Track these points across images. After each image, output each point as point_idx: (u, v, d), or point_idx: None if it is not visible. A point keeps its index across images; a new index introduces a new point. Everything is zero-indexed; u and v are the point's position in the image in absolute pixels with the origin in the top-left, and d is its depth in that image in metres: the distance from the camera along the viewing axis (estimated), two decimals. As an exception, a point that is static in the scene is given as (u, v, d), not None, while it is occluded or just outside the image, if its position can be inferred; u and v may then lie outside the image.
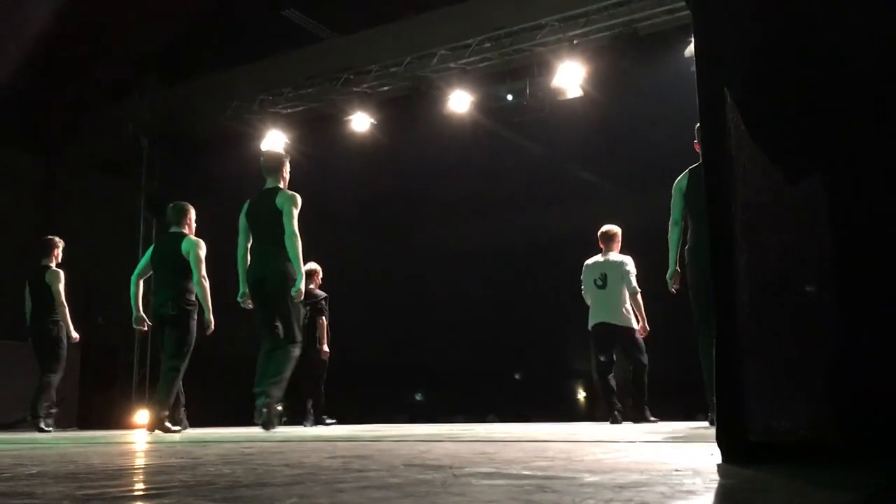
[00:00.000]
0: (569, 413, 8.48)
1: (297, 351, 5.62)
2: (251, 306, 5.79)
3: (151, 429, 6.12)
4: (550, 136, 8.98)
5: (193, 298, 6.21)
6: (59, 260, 7.53)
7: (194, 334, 6.25)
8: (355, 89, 9.41)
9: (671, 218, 5.38)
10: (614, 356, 6.87)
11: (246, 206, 5.85)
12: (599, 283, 6.91)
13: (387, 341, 9.34)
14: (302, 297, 5.62)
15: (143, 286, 6.57)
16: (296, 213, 5.62)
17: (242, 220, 5.81)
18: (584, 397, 11.05)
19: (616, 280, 6.87)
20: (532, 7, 8.33)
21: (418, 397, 8.83)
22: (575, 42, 8.24)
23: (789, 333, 1.68)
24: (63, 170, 11.72)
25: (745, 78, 1.86)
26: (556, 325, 8.59)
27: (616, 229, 7.02)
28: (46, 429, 7.07)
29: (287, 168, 5.90)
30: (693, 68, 1.96)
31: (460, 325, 9.10)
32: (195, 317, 6.24)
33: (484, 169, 9.22)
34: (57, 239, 7.59)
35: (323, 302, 7.52)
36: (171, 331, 6.20)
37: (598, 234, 7.04)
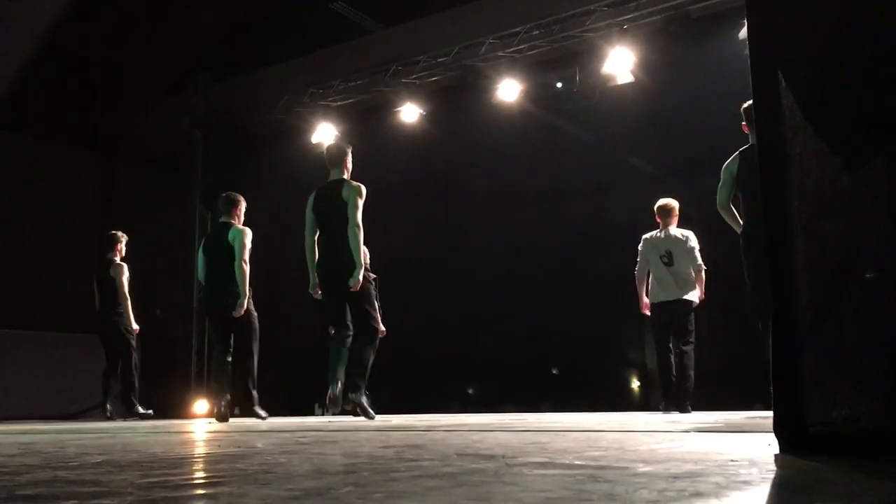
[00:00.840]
0: (622, 402, 8.41)
1: (375, 338, 5.67)
2: (320, 297, 5.87)
3: (221, 418, 6.20)
4: (601, 123, 8.88)
5: (238, 288, 6.30)
6: (123, 254, 7.76)
7: (255, 318, 6.38)
8: (404, 80, 9.43)
9: (718, 201, 5.26)
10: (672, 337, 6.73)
11: (312, 198, 5.92)
12: (666, 259, 6.74)
13: (438, 331, 9.37)
14: (358, 287, 5.66)
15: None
16: (360, 203, 5.69)
17: (309, 213, 5.89)
18: (639, 386, 10.95)
19: (683, 256, 6.72)
20: (581, -7, 8.24)
21: (470, 391, 8.84)
22: (625, 27, 8.13)
23: (849, 322, 1.64)
24: (120, 166, 12.02)
25: (800, 60, 1.82)
26: (609, 313, 8.50)
27: (674, 203, 6.84)
28: (146, 412, 7.42)
29: (350, 159, 5.97)
30: (747, 51, 1.92)
31: (512, 314, 9.08)
32: (245, 306, 6.34)
33: (533, 158, 9.17)
34: (120, 234, 7.83)
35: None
36: (235, 326, 6.33)
37: (656, 208, 6.87)
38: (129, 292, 7.54)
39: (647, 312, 6.89)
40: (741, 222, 5.13)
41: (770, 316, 4.58)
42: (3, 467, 2.04)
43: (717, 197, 5.24)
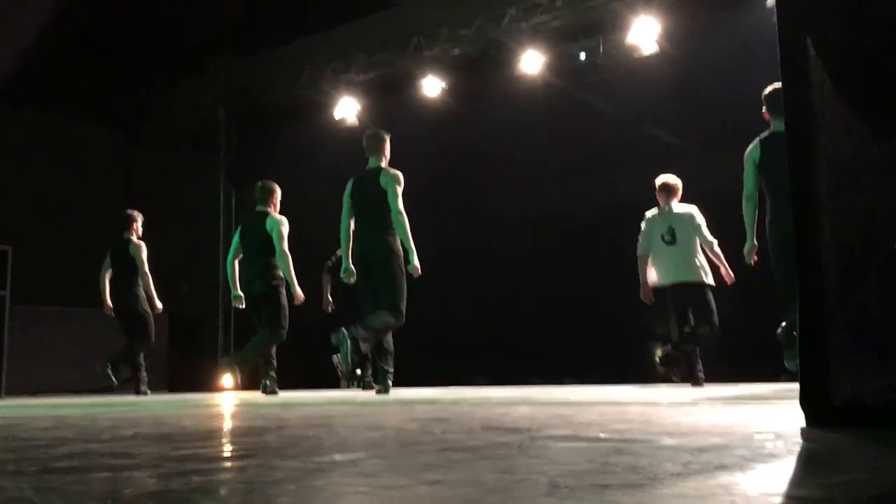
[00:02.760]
0: (648, 376, 8.41)
1: (396, 318, 5.70)
2: (353, 281, 5.92)
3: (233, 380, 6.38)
4: (625, 95, 8.78)
5: (280, 274, 6.41)
6: (140, 233, 7.73)
7: (286, 308, 6.46)
8: (426, 53, 9.38)
9: (745, 192, 5.15)
10: (691, 317, 6.38)
11: (350, 185, 5.97)
12: (668, 238, 6.36)
13: (461, 305, 9.39)
14: (419, 273, 5.74)
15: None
16: (400, 190, 5.75)
17: (346, 200, 5.95)
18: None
19: (687, 233, 6.33)
20: (605, -38, 8.11)
21: (480, 379, 8.87)
22: (650, -4, 8.01)
23: (876, 295, 1.62)
24: (143, 144, 12.11)
25: (829, 27, 1.78)
26: (634, 286, 8.47)
27: (676, 180, 6.49)
28: (144, 391, 7.41)
29: (388, 146, 6.00)
30: (775, 18, 1.88)
31: (536, 288, 9.07)
32: (283, 291, 6.43)
33: (557, 130, 9.10)
34: (136, 213, 7.80)
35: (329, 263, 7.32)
36: (265, 308, 6.43)
37: (657, 185, 6.51)
38: (151, 270, 7.54)
39: (647, 300, 6.55)
40: (753, 229, 5.15)
41: (792, 304, 4.54)
42: (37, 440, 2.09)
43: (744, 188, 5.15)
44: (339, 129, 9.92)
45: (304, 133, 10.32)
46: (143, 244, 7.60)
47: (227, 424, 2.74)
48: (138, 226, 7.76)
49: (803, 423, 1.70)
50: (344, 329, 5.42)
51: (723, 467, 1.13)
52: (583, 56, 8.76)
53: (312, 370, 7.98)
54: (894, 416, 1.57)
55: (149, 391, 7.50)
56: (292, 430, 2.18)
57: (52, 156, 10.77)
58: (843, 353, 1.65)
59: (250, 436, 2.11)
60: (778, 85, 4.75)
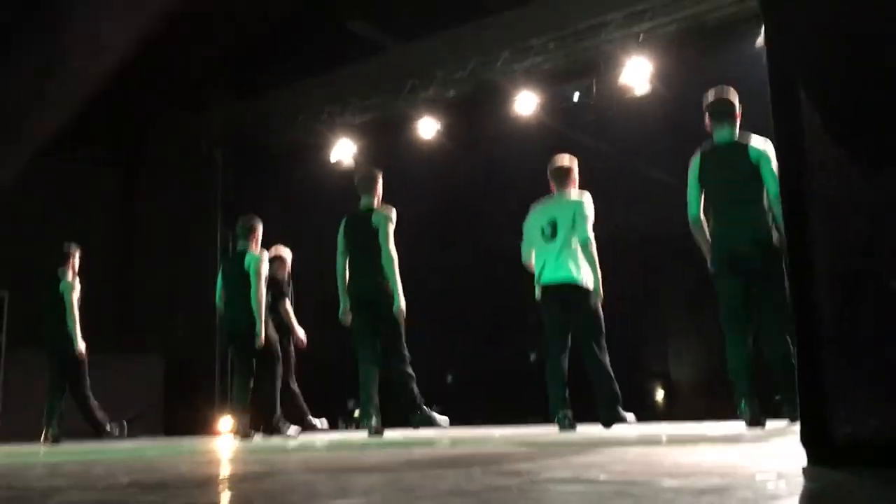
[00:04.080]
0: (646, 413, 8.36)
1: (407, 367, 5.69)
2: (349, 323, 5.91)
3: (244, 434, 6.28)
4: (619, 134, 8.87)
5: (264, 312, 6.35)
6: (76, 269, 7.41)
7: (276, 346, 6.42)
8: (421, 96, 9.47)
9: (690, 214, 4.68)
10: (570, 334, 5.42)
11: (343, 224, 5.98)
12: (547, 231, 5.42)
13: (455, 344, 9.36)
14: (404, 317, 5.72)
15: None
16: (391, 230, 5.74)
17: (341, 239, 5.95)
18: (662, 397, 10.90)
19: (568, 226, 5.40)
20: (596, 4, 8.23)
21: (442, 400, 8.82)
22: (641, 38, 8.12)
23: (874, 331, 1.63)
24: (141, 184, 12.14)
25: (819, 68, 1.81)
26: (631, 324, 8.46)
27: (571, 162, 5.68)
28: (110, 430, 7.20)
29: (380, 185, 6.01)
30: (765, 59, 1.91)
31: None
32: (271, 328, 6.39)
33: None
34: (73, 247, 7.48)
35: (284, 287, 7.01)
36: (250, 347, 6.37)
37: (549, 170, 5.70)
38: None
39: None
40: (709, 245, 4.63)
41: (738, 326, 4.42)
42: (31, 490, 2.06)
43: (688, 207, 4.70)
44: (336, 170, 9.97)
45: (300, 175, 10.38)
46: (76, 282, 7.27)
47: (224, 470, 2.71)
48: (75, 261, 7.41)
49: (804, 462, 1.69)
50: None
51: (725, 510, 1.13)
52: (576, 97, 8.86)
53: (312, 407, 7.92)
54: (896, 455, 1.57)
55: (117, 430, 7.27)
56: (290, 476, 2.16)
57: (49, 195, 10.78)
58: (843, 391, 1.65)
59: (247, 482, 2.09)
60: (721, 93, 4.76)
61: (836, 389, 1.66)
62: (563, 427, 5.21)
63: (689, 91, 8.19)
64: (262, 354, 6.38)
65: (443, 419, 5.71)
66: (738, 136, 4.65)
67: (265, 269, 6.39)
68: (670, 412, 8.83)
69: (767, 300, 4.35)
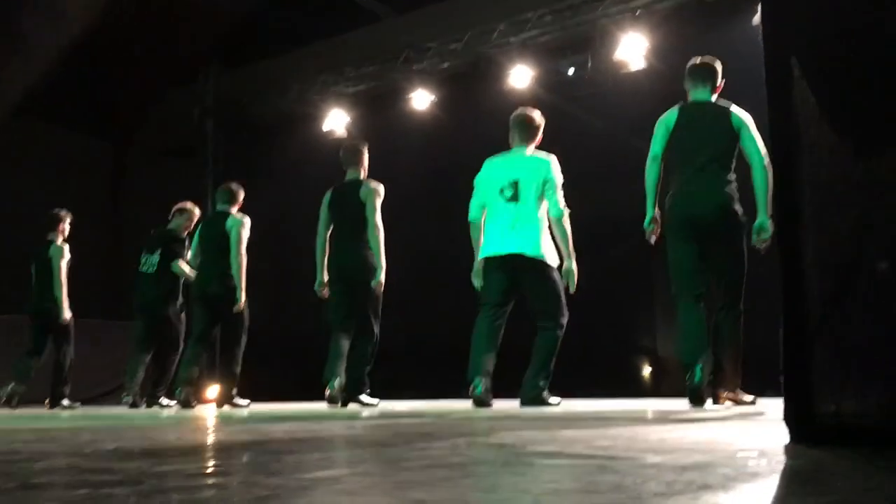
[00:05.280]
0: (634, 389, 8.42)
1: (373, 344, 5.71)
2: (327, 296, 5.89)
3: (220, 404, 6.33)
4: (613, 109, 8.84)
5: (234, 280, 6.31)
6: (66, 235, 7.35)
7: (246, 308, 6.39)
8: (415, 67, 9.41)
9: (651, 152, 4.46)
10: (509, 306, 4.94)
11: (328, 196, 5.93)
12: (509, 192, 4.86)
13: (447, 318, 9.39)
14: (382, 289, 5.71)
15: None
16: (379, 203, 5.71)
17: (324, 211, 5.91)
18: (650, 373, 10.98)
19: (533, 190, 4.84)
20: (593, -22, 8.17)
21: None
22: (638, 13, 8.07)
23: (860, 315, 1.63)
24: (132, 155, 12.07)
25: (814, 48, 1.80)
26: (621, 300, 8.50)
27: (536, 115, 5.14)
28: (71, 404, 7.14)
29: (366, 157, 5.97)
30: (760, 37, 1.90)
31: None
32: (243, 299, 6.37)
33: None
34: (63, 212, 7.42)
35: (176, 244, 6.93)
36: (224, 313, 6.34)
37: (510, 120, 5.14)
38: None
39: (477, 282, 5.03)
40: (655, 196, 4.44)
41: (690, 298, 4.30)
42: (18, 454, 2.07)
43: (650, 150, 4.49)
44: (329, 142, 9.92)
45: (293, 145, 10.32)
46: (65, 248, 7.22)
47: (210, 439, 2.72)
48: (65, 226, 7.37)
49: (787, 440, 1.71)
50: (339, 380, 5.43)
51: (706, 487, 1.13)
52: (571, 71, 8.81)
53: (300, 381, 7.94)
54: (878, 435, 1.58)
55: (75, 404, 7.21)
56: (276, 446, 2.17)
57: (40, 164, 10.71)
58: (827, 371, 1.66)
59: (233, 451, 2.10)
60: (705, 58, 4.69)
61: (820, 369, 1.67)
62: (477, 401, 4.71)
63: (684, 68, 8.18)
64: (235, 321, 6.33)
65: (373, 401, 5.67)
66: (716, 100, 4.53)
67: (246, 233, 6.36)
68: (657, 389, 8.89)
69: (721, 275, 4.26)
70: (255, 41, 10.91)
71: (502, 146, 5.37)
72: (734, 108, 4.41)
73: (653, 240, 4.53)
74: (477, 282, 5.01)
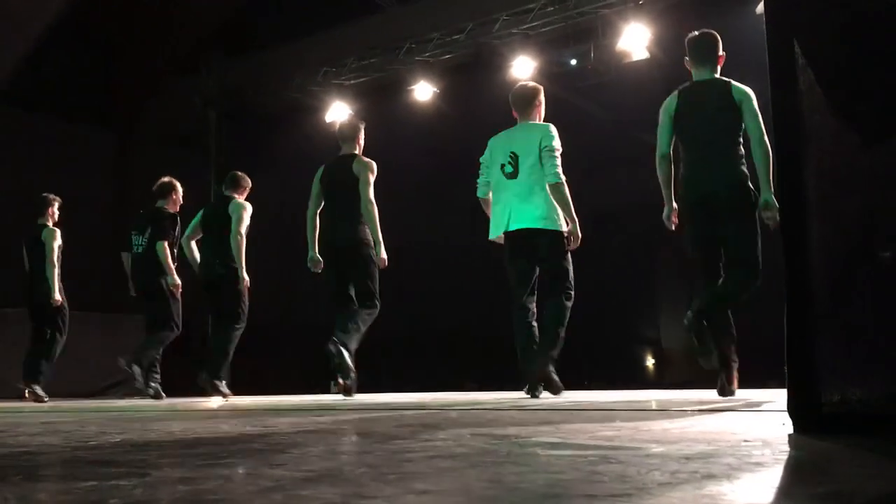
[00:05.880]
0: (637, 380, 8.42)
1: (375, 312, 5.67)
2: (319, 270, 5.87)
3: (204, 386, 6.34)
4: (616, 100, 8.82)
5: (235, 262, 6.33)
6: (56, 219, 7.29)
7: (245, 296, 6.40)
8: (417, 58, 9.38)
9: (658, 150, 4.44)
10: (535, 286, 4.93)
11: (320, 171, 5.90)
12: (509, 167, 4.85)
13: (450, 309, 9.40)
14: (386, 264, 5.68)
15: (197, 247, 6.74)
16: (372, 179, 5.66)
17: (316, 185, 5.86)
18: (653, 364, 10.96)
19: (532, 161, 4.81)
20: (596, -32, 8.14)
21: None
22: (640, 2, 8.04)
23: (864, 303, 1.63)
24: (135, 144, 12.07)
25: (818, 35, 1.79)
26: (623, 290, 8.51)
27: (535, 88, 5.15)
28: (40, 395, 7.06)
29: (362, 136, 5.95)
30: (764, 25, 1.89)
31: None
32: (245, 278, 6.37)
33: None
34: (52, 196, 7.35)
35: (165, 222, 6.85)
36: (224, 293, 6.36)
37: (511, 97, 5.14)
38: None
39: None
40: (671, 190, 4.43)
41: (710, 270, 4.22)
42: (25, 447, 2.07)
43: (658, 144, 4.45)
44: (330, 132, 9.91)
45: (294, 136, 10.31)
46: (57, 231, 7.16)
47: (215, 430, 2.73)
48: (55, 210, 7.31)
49: (791, 430, 1.71)
50: (334, 344, 5.39)
51: (710, 476, 1.13)
52: (574, 62, 8.79)
53: (305, 371, 7.95)
54: (883, 424, 1.58)
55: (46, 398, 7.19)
56: (280, 438, 2.18)
57: (42, 155, 10.71)
58: (832, 361, 1.66)
59: (238, 442, 2.10)
60: (703, 33, 4.63)
61: (825, 359, 1.66)
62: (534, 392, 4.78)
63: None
64: (234, 300, 6.33)
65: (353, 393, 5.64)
66: (717, 76, 4.45)
67: (247, 217, 6.41)
68: (661, 379, 8.90)
69: (734, 253, 4.19)
70: (256, 31, 10.90)
71: (505, 137, 5.35)
72: (734, 83, 4.36)
73: (673, 226, 4.52)
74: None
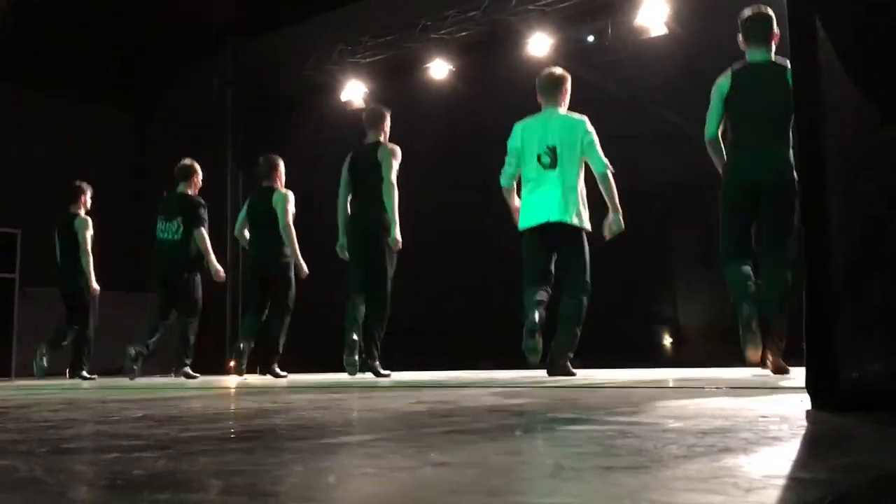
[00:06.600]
0: (655, 359, 8.41)
1: (385, 309, 5.74)
2: (347, 256, 5.96)
3: (263, 372, 6.42)
4: (633, 76, 8.73)
5: (288, 251, 6.42)
6: (88, 207, 7.45)
7: (294, 285, 6.49)
8: (433, 36, 9.33)
9: (707, 132, 4.40)
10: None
11: (348, 159, 6.01)
12: (546, 158, 4.82)
13: (467, 288, 9.41)
14: (399, 247, 5.74)
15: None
16: (395, 164, 5.75)
17: (345, 174, 5.98)
18: (671, 343, 10.95)
19: (572, 154, 4.80)
20: (614, -57, 8.05)
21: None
22: (659, -22, 7.94)
23: (884, 279, 1.62)
24: (153, 126, 12.11)
25: (839, 8, 1.77)
26: (640, 269, 8.46)
27: (563, 75, 5.09)
28: (89, 376, 7.24)
29: (387, 122, 6.02)
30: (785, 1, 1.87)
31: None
32: (293, 268, 6.46)
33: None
34: (84, 185, 7.50)
35: (200, 210, 6.86)
36: (273, 284, 6.46)
37: (538, 82, 5.09)
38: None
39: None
40: (725, 160, 4.37)
41: (739, 256, 4.15)
42: (49, 422, 2.11)
43: (706, 125, 4.42)
44: (346, 111, 9.90)
45: (311, 115, 10.31)
46: (89, 220, 7.31)
47: (235, 406, 2.76)
48: (87, 198, 7.46)
49: (809, 407, 1.71)
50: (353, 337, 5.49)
51: (727, 450, 1.14)
52: (591, 38, 8.70)
53: (323, 350, 8.01)
54: (900, 400, 1.58)
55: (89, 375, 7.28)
56: (300, 413, 2.20)
57: (62, 137, 10.78)
58: (850, 337, 1.65)
59: (258, 418, 2.13)
60: (758, 9, 4.49)
61: (843, 336, 1.66)
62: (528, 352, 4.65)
63: (705, 33, 8.05)
64: (281, 287, 6.43)
65: (386, 372, 5.71)
66: (774, 58, 4.31)
67: (292, 207, 6.49)
68: (679, 358, 8.88)
69: (777, 242, 4.12)
70: (273, 11, 10.87)
71: (520, 115, 5.32)
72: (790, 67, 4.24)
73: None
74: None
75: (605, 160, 4.87)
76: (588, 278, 4.94)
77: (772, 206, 4.15)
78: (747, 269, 4.22)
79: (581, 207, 4.88)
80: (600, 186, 4.88)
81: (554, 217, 4.82)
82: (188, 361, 6.83)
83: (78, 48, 10.99)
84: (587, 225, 4.92)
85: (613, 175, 4.93)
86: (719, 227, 4.38)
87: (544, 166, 4.86)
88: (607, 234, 4.97)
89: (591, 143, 4.86)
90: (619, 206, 4.91)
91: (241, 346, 6.39)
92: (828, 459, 1.11)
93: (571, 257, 4.91)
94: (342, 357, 5.68)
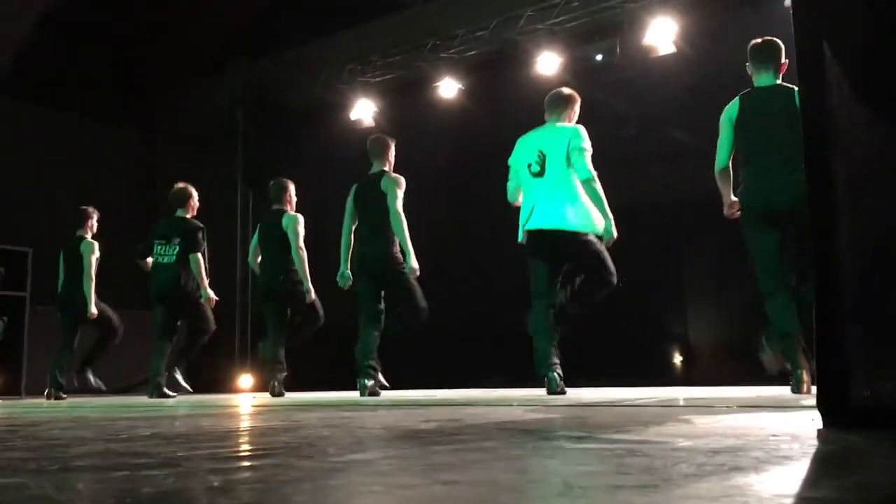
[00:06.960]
0: (664, 377, 8.37)
1: (424, 310, 5.76)
2: (349, 286, 5.96)
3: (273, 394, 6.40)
4: (642, 95, 8.75)
5: (299, 275, 6.46)
6: (94, 231, 7.52)
7: (314, 299, 6.53)
8: (442, 55, 9.38)
9: (717, 163, 4.37)
10: (559, 285, 4.93)
11: (353, 190, 6.03)
12: (536, 167, 4.86)
13: (477, 306, 9.40)
14: (417, 274, 5.74)
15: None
16: (400, 194, 5.74)
17: (349, 204, 6.01)
18: (681, 361, 10.89)
19: (560, 160, 4.80)
20: (622, -38, 8.09)
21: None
22: (667, -3, 7.97)
23: (895, 296, 1.61)
24: (162, 144, 12.19)
25: (847, 28, 1.77)
26: (650, 286, 8.44)
27: (573, 95, 5.13)
28: (98, 385, 7.23)
29: (392, 152, 6.04)
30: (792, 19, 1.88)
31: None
32: (305, 285, 6.49)
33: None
34: (91, 209, 7.57)
35: (199, 235, 6.95)
36: (293, 305, 6.51)
37: (546, 99, 5.15)
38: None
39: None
40: (730, 189, 4.35)
41: (781, 286, 4.12)
42: (58, 440, 2.11)
43: (717, 155, 4.38)
44: (356, 130, 9.95)
45: (320, 134, 10.36)
46: (95, 243, 7.38)
47: (244, 425, 2.76)
48: (93, 222, 7.53)
49: (820, 426, 1.70)
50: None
51: (737, 469, 1.13)
52: (599, 57, 8.74)
53: (334, 369, 8.00)
54: (912, 419, 1.56)
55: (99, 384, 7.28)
56: (308, 431, 2.20)
57: (74, 156, 10.87)
58: (862, 355, 1.65)
59: (266, 436, 2.13)
60: (769, 38, 4.55)
61: (855, 353, 1.65)
62: (551, 388, 4.74)
63: (714, 52, 8.07)
64: (308, 312, 6.50)
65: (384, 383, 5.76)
66: (780, 82, 4.33)
67: (302, 229, 6.51)
68: (689, 376, 8.83)
69: (801, 263, 4.04)
70: (282, 29, 10.96)
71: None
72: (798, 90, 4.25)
73: (733, 215, 4.38)
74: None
75: (591, 168, 4.82)
76: (607, 266, 4.84)
77: (793, 231, 4.10)
78: (791, 302, 4.11)
79: (581, 210, 4.83)
80: (585, 193, 4.83)
81: (547, 224, 4.83)
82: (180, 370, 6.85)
83: (85, 65, 11.09)
84: (591, 227, 4.84)
85: (597, 181, 4.89)
86: (751, 259, 4.31)
87: (533, 174, 4.90)
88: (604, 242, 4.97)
89: (578, 149, 4.82)
90: (609, 213, 4.88)
91: (270, 367, 6.44)
92: (838, 479, 1.10)
93: (577, 259, 4.89)
94: (352, 377, 5.68)
